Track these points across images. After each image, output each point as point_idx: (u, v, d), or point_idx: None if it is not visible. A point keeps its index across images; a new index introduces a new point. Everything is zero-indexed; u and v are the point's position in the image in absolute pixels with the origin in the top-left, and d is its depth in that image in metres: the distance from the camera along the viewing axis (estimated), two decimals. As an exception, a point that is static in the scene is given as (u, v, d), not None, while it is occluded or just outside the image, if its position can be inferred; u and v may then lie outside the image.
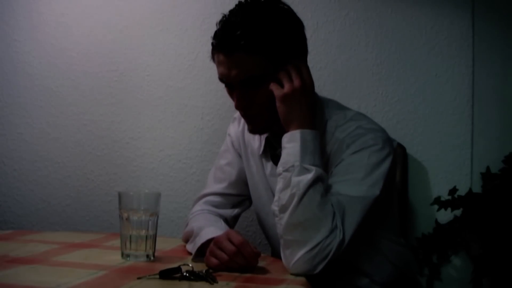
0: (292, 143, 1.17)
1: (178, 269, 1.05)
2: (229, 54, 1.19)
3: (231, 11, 1.23)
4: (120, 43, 1.88)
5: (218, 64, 1.24)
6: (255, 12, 1.20)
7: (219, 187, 1.45)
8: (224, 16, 1.23)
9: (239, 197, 1.47)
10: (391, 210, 1.39)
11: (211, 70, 1.81)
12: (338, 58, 1.81)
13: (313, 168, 1.14)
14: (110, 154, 1.89)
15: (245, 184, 1.46)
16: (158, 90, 1.88)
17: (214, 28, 1.25)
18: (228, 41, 1.18)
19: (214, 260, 1.11)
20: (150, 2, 1.88)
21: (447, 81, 1.78)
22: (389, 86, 1.79)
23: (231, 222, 1.45)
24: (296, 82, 1.19)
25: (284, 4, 1.26)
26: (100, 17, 1.89)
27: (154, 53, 1.88)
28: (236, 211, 1.46)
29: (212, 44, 1.24)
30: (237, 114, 1.47)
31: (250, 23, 1.18)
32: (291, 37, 1.23)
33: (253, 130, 1.30)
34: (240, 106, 1.24)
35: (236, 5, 1.24)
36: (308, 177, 1.13)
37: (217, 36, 1.22)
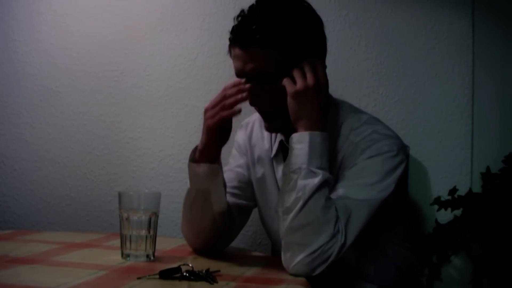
0: (300, 144, 1.16)
1: (178, 269, 1.05)
2: (245, 48, 1.18)
3: (250, 7, 1.22)
4: (120, 43, 1.88)
5: (234, 58, 1.22)
6: (273, 8, 1.19)
7: (228, 185, 1.38)
8: (242, 11, 1.22)
9: (246, 198, 1.42)
10: (399, 214, 1.38)
11: (211, 70, 1.82)
12: (338, 58, 1.81)
13: (320, 172, 1.13)
14: (110, 154, 1.89)
15: (252, 188, 1.42)
16: (158, 90, 1.88)
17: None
18: (244, 34, 1.18)
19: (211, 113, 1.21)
20: (150, 2, 1.88)
21: (447, 81, 1.78)
22: (389, 86, 1.79)
23: (234, 210, 1.37)
24: (310, 80, 1.17)
25: (304, 1, 1.25)
26: (100, 17, 1.89)
27: (154, 53, 1.88)
28: (240, 201, 1.40)
29: (229, 38, 1.23)
30: (244, 121, 1.47)
31: (267, 18, 1.17)
32: (309, 34, 1.21)
33: (270, 128, 1.28)
34: (255, 102, 1.22)
35: (256, 1, 1.23)
36: (315, 181, 1.11)
37: (233, 30, 1.21)
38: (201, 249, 1.31)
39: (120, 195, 1.20)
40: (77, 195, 1.90)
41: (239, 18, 1.21)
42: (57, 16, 1.90)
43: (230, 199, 1.37)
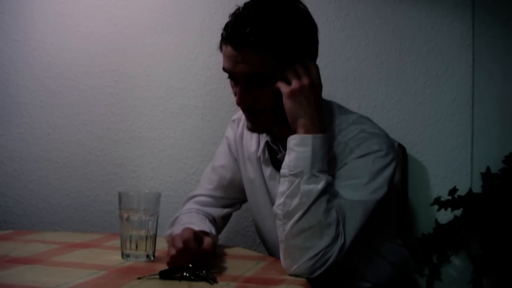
0: (302, 147, 1.14)
1: (178, 269, 1.05)
2: (238, 48, 1.16)
3: (245, 4, 1.20)
4: (120, 43, 1.88)
5: (225, 55, 1.20)
6: (269, 10, 1.17)
7: (210, 187, 1.44)
8: (238, 8, 1.19)
9: (230, 200, 1.46)
10: (390, 213, 1.39)
11: (211, 70, 1.82)
12: (338, 58, 1.81)
13: (323, 176, 1.12)
14: (110, 154, 1.89)
15: (238, 188, 1.44)
16: (158, 90, 1.88)
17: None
18: (238, 35, 1.15)
19: (170, 254, 1.12)
20: (150, 2, 1.88)
21: (447, 81, 1.78)
22: (389, 86, 1.79)
23: (219, 221, 1.43)
24: (305, 79, 1.16)
25: (301, 3, 1.22)
26: (100, 17, 1.89)
27: (154, 53, 1.88)
28: (225, 211, 1.45)
29: (222, 34, 1.20)
30: (235, 116, 1.46)
31: (262, 21, 1.15)
32: (303, 38, 1.20)
33: (253, 128, 1.26)
34: (242, 103, 1.21)
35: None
36: (318, 187, 1.10)
37: (228, 28, 1.19)
38: None
39: (120, 195, 1.20)
40: (77, 195, 1.90)
41: (234, 16, 1.19)
42: (57, 16, 1.90)
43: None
